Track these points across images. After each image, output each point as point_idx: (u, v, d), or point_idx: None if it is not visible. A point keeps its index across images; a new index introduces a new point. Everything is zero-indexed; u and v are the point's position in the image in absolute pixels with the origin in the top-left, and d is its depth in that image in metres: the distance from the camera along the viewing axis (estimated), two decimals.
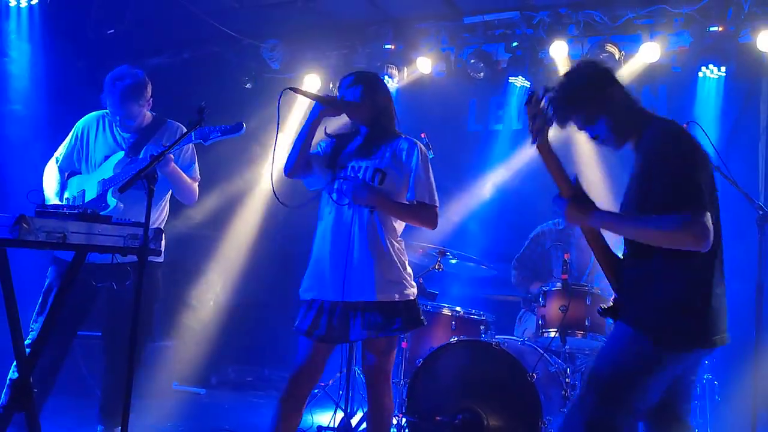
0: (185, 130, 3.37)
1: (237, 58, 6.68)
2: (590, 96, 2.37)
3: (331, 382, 5.05)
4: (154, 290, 3.74)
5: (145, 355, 3.99)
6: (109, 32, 5.33)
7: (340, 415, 4.25)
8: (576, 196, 2.34)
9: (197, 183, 3.84)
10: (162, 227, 3.78)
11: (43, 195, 3.64)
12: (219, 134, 3.35)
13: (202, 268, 5.93)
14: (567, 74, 2.47)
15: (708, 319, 2.22)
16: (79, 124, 3.78)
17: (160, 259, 3.68)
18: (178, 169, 3.62)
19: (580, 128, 2.43)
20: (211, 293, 5.77)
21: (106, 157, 3.67)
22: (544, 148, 2.39)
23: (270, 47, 6.43)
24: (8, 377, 3.21)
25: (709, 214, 2.12)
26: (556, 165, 2.39)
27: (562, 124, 2.42)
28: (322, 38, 6.35)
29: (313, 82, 6.39)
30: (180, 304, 5.54)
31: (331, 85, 6.49)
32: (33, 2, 5.14)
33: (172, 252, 5.28)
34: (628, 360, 2.23)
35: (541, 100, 2.38)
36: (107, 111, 3.71)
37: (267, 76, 6.65)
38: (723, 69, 5.24)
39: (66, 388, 3.92)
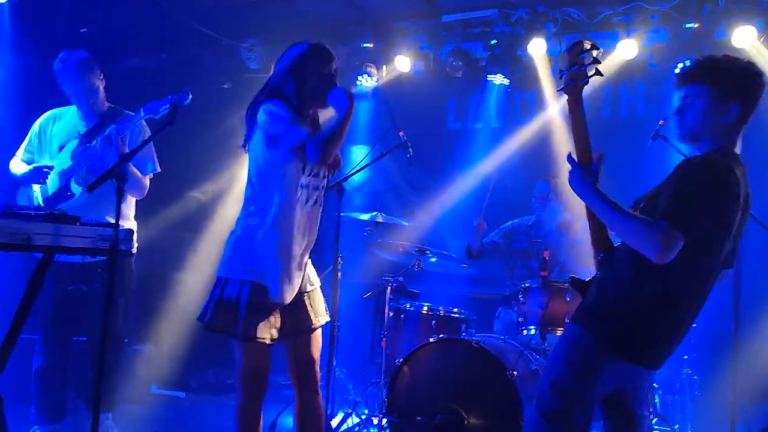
0: (141, 110, 3.31)
1: (215, 59, 6.61)
2: (734, 85, 2.32)
3: None
4: (126, 282, 3.70)
5: (123, 354, 3.95)
6: (81, 31, 5.25)
7: None
8: (585, 166, 2.31)
9: (148, 178, 3.77)
10: (127, 221, 3.76)
11: (9, 197, 3.64)
12: (167, 105, 3.21)
13: (178, 269, 5.85)
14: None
15: (653, 338, 2.28)
16: (37, 122, 3.81)
17: (132, 249, 3.69)
18: (125, 151, 3.38)
19: (683, 97, 2.37)
20: (189, 295, 5.70)
21: (61, 147, 3.69)
22: (575, 102, 2.33)
23: (248, 47, 6.37)
24: None
25: (682, 238, 2.10)
26: (581, 125, 2.34)
27: (686, 80, 2.37)
28: (300, 37, 6.22)
29: None
30: (157, 307, 5.46)
31: None
32: (2, 0, 5.05)
33: (147, 254, 5.22)
34: (573, 353, 2.30)
35: (589, 51, 2.31)
36: (66, 107, 3.76)
37: (246, 77, 6.58)
38: None
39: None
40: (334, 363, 4.75)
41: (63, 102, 3.88)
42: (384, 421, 3.79)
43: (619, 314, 2.27)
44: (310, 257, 2.88)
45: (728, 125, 2.31)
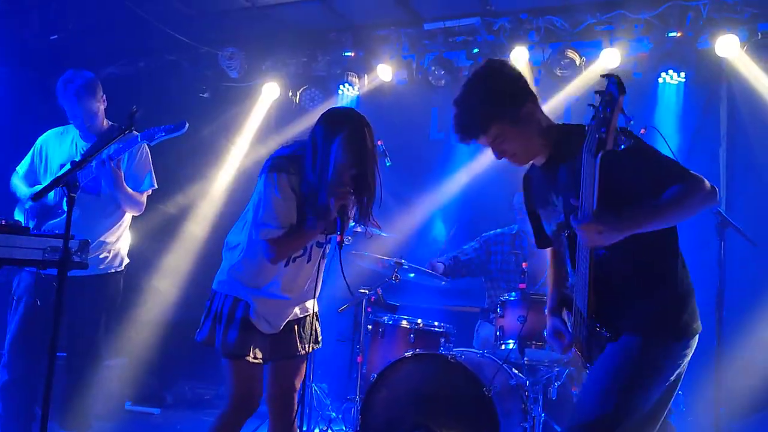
0: (138, 137, 3.40)
1: (193, 67, 6.52)
2: (503, 102, 2.23)
3: None
4: (103, 301, 3.63)
5: (98, 373, 3.84)
6: (52, 38, 5.14)
7: None
8: (604, 211, 1.99)
9: (146, 195, 3.80)
10: (119, 239, 3.77)
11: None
12: (163, 133, 3.37)
13: (152, 281, 5.72)
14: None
15: (695, 305, 2.22)
16: (38, 140, 3.82)
17: (119, 269, 3.76)
18: (118, 175, 3.56)
19: (491, 145, 2.29)
20: (163, 307, 5.57)
21: (61, 166, 3.67)
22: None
23: (228, 55, 6.27)
24: None
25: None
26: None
27: (475, 133, 2.27)
28: (281, 46, 6.23)
29: (272, 90, 6.26)
30: (130, 320, 5.32)
31: (290, 94, 6.37)
32: None
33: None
34: (642, 367, 2.11)
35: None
36: (69, 125, 3.76)
37: (225, 85, 6.49)
38: (683, 75, 5.21)
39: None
40: (311, 378, 4.66)
41: (44, 108, 3.87)
42: None
43: (662, 299, 2.16)
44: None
45: (530, 122, 2.25)
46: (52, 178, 3.57)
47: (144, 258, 5.23)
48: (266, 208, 2.53)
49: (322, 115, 2.62)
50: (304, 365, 2.89)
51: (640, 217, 2.04)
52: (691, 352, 2.19)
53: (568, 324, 2.34)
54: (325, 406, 4.85)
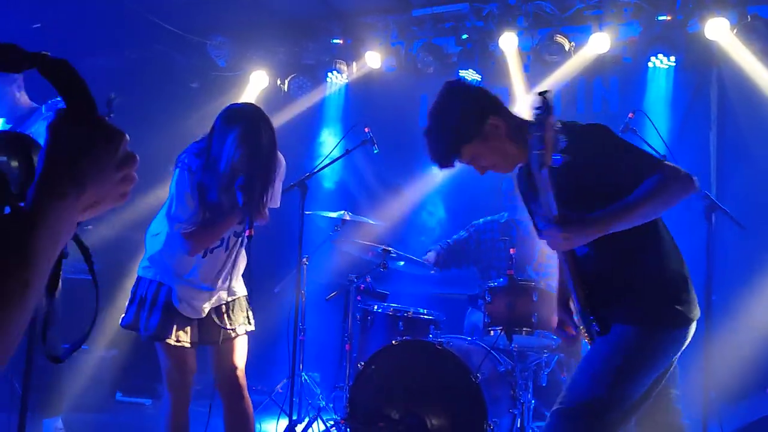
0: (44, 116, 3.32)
1: (182, 57, 6.47)
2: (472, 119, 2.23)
3: (278, 387, 4.88)
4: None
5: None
6: (34, 26, 5.07)
7: (283, 422, 4.08)
8: (568, 218, 2.01)
9: None
10: None
11: None
12: (107, 110, 3.19)
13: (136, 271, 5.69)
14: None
15: (691, 291, 2.19)
16: None
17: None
18: None
19: (471, 162, 2.30)
20: None
21: None
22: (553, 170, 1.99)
23: (216, 44, 6.23)
24: None
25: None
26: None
27: (454, 156, 2.28)
28: (269, 34, 6.18)
29: (261, 79, 6.21)
30: (117, 311, 5.30)
31: (278, 82, 6.32)
32: None
33: (104, 257, 5.06)
34: (637, 355, 2.10)
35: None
36: None
37: (213, 74, 6.45)
38: (672, 59, 5.19)
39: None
40: (301, 367, 4.64)
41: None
42: (346, 428, 3.65)
43: (649, 289, 2.14)
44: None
45: (499, 134, 2.22)
46: None
47: (132, 247, 5.19)
48: (178, 203, 2.60)
49: (220, 111, 2.66)
50: (243, 347, 2.93)
51: (609, 219, 2.02)
52: (687, 340, 2.16)
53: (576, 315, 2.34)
54: (315, 395, 4.84)
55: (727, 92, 5.22)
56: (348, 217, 4.47)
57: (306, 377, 4.73)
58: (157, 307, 2.72)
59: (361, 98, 6.18)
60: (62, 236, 0.83)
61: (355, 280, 4.22)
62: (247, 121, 2.57)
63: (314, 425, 4.29)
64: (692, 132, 5.27)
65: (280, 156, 2.86)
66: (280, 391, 4.83)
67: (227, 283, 2.83)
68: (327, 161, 4.33)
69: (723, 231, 4.23)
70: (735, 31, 4.95)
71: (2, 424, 3.67)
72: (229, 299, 2.87)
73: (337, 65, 5.98)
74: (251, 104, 2.76)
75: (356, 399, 3.57)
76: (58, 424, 3.61)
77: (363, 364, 3.59)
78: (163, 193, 6.00)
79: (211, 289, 2.81)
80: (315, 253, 4.60)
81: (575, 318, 2.32)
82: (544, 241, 2.07)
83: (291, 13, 5.97)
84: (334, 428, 4.18)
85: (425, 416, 3.39)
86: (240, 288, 2.95)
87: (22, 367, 3.71)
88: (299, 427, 4.19)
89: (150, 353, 5.36)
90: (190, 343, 2.77)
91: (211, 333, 2.83)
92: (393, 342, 3.60)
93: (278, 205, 2.95)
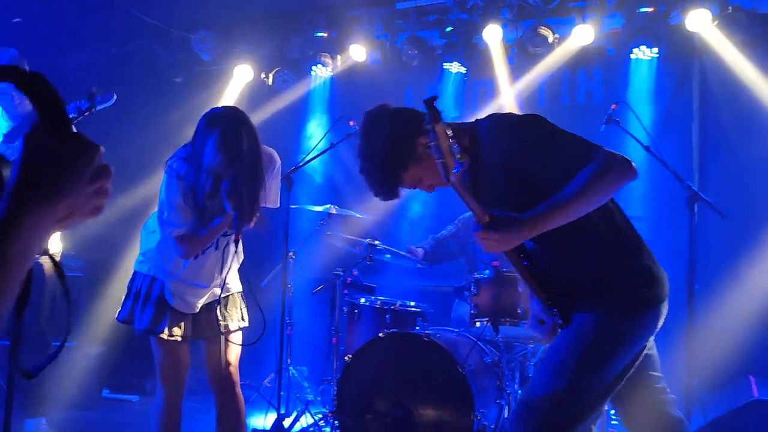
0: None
1: (166, 51, 6.42)
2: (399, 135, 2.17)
3: (266, 382, 4.88)
4: (44, 286, 3.56)
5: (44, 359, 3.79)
6: (14, 21, 5.01)
7: (272, 416, 4.09)
8: (499, 219, 1.97)
9: None
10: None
11: None
12: (90, 104, 3.14)
13: (124, 268, 5.66)
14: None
15: (652, 272, 2.10)
16: None
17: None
18: None
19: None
20: None
21: None
22: (459, 177, 1.95)
23: (200, 38, 6.19)
24: None
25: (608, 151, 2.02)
26: (470, 192, 2.02)
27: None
28: (253, 28, 6.15)
29: (245, 73, 6.18)
30: (105, 307, 5.27)
31: (262, 75, 6.30)
32: None
33: (91, 251, 5.04)
34: (597, 344, 2.05)
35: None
36: None
37: (198, 69, 6.41)
38: (655, 50, 5.22)
39: None
40: (289, 361, 4.65)
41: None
42: (334, 421, 3.67)
43: (600, 274, 2.09)
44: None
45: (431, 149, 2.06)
46: None
47: (116, 243, 5.17)
48: (169, 208, 2.61)
49: (202, 116, 2.65)
50: (236, 342, 2.95)
51: (541, 217, 1.97)
52: (654, 324, 2.09)
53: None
54: (302, 388, 4.85)
55: (709, 84, 5.26)
56: (334, 211, 4.48)
57: (293, 371, 4.74)
58: (151, 302, 2.75)
59: (345, 91, 6.16)
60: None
61: (342, 273, 4.22)
62: (226, 124, 2.55)
63: (302, 419, 4.30)
64: (675, 123, 5.31)
65: (274, 155, 2.85)
66: (268, 385, 4.85)
67: (220, 280, 2.83)
68: (313, 155, 4.33)
69: (705, 221, 4.28)
70: (716, 22, 4.99)
71: None
72: (223, 295, 2.88)
73: (322, 58, 5.96)
74: (231, 107, 2.75)
75: (344, 392, 3.59)
76: (41, 425, 3.59)
77: (350, 356, 3.60)
78: (147, 188, 6.01)
79: (205, 287, 2.82)
80: (301, 247, 4.60)
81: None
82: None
83: (275, 6, 5.94)
84: (322, 421, 4.20)
85: (413, 408, 3.41)
86: (234, 284, 2.97)
87: (6, 368, 3.70)
88: (287, 421, 4.20)
89: (137, 350, 5.40)
90: (183, 337, 2.80)
91: (205, 328, 2.85)
92: (380, 334, 3.61)
93: (278, 205, 2.94)
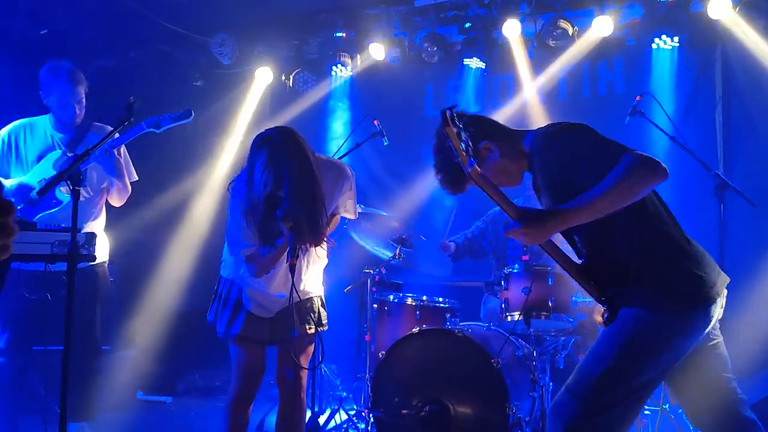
0: (143, 124, 3.40)
1: (185, 56, 6.48)
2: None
3: None
4: (95, 293, 3.61)
5: (100, 362, 3.86)
6: (42, 33, 5.09)
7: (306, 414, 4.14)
8: (526, 213, 2.07)
9: (129, 186, 3.79)
10: (101, 227, 3.73)
11: None
12: (170, 121, 3.40)
13: (157, 271, 5.74)
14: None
15: (697, 272, 2.11)
16: (4, 130, 3.71)
17: (103, 258, 3.66)
18: (122, 164, 3.60)
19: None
20: (170, 297, 5.59)
21: (40, 157, 3.63)
22: (476, 171, 2.07)
23: (219, 42, 6.24)
24: None
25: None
26: (495, 187, 2.11)
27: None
28: (272, 30, 6.20)
29: (265, 75, 6.24)
30: (137, 311, 5.36)
31: (283, 77, 6.35)
32: None
33: (123, 257, 5.11)
34: (639, 337, 2.09)
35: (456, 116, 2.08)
36: (36, 117, 3.70)
37: (217, 72, 6.47)
38: (676, 39, 5.21)
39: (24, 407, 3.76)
40: (320, 359, 4.69)
41: (33, 104, 3.80)
42: (370, 416, 3.71)
43: (646, 271, 2.12)
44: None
45: (500, 151, 2.34)
46: (32, 170, 3.57)
47: (148, 249, 5.25)
48: (235, 228, 2.67)
49: (254, 138, 2.68)
50: (311, 346, 3.00)
51: (569, 212, 2.04)
52: (703, 323, 2.10)
53: None
54: (335, 386, 4.90)
55: (732, 71, 5.24)
56: (360, 210, 4.51)
57: (325, 369, 4.79)
58: (228, 305, 2.82)
59: (366, 91, 6.20)
60: None
61: (372, 272, 4.27)
62: (271, 146, 2.54)
63: (336, 416, 4.36)
64: (697, 112, 5.29)
65: (344, 166, 2.87)
66: None
67: (298, 286, 2.80)
68: (337, 155, 4.37)
69: (734, 208, 4.26)
70: (738, 8, 4.96)
71: (28, 427, 3.73)
72: (302, 298, 2.84)
73: (341, 58, 5.99)
74: (279, 128, 2.69)
75: (379, 388, 3.63)
76: (85, 429, 3.66)
77: (384, 353, 3.64)
78: (174, 194, 6.08)
79: (281, 296, 2.81)
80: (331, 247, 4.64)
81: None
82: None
83: (293, 7, 5.98)
84: (355, 418, 4.25)
85: (448, 402, 3.45)
86: (313, 288, 2.96)
87: (49, 373, 3.76)
88: (322, 418, 4.25)
89: (169, 352, 5.48)
90: (257, 341, 2.84)
91: (281, 331, 2.84)
92: (413, 331, 3.65)
93: (356, 216, 3.00)
